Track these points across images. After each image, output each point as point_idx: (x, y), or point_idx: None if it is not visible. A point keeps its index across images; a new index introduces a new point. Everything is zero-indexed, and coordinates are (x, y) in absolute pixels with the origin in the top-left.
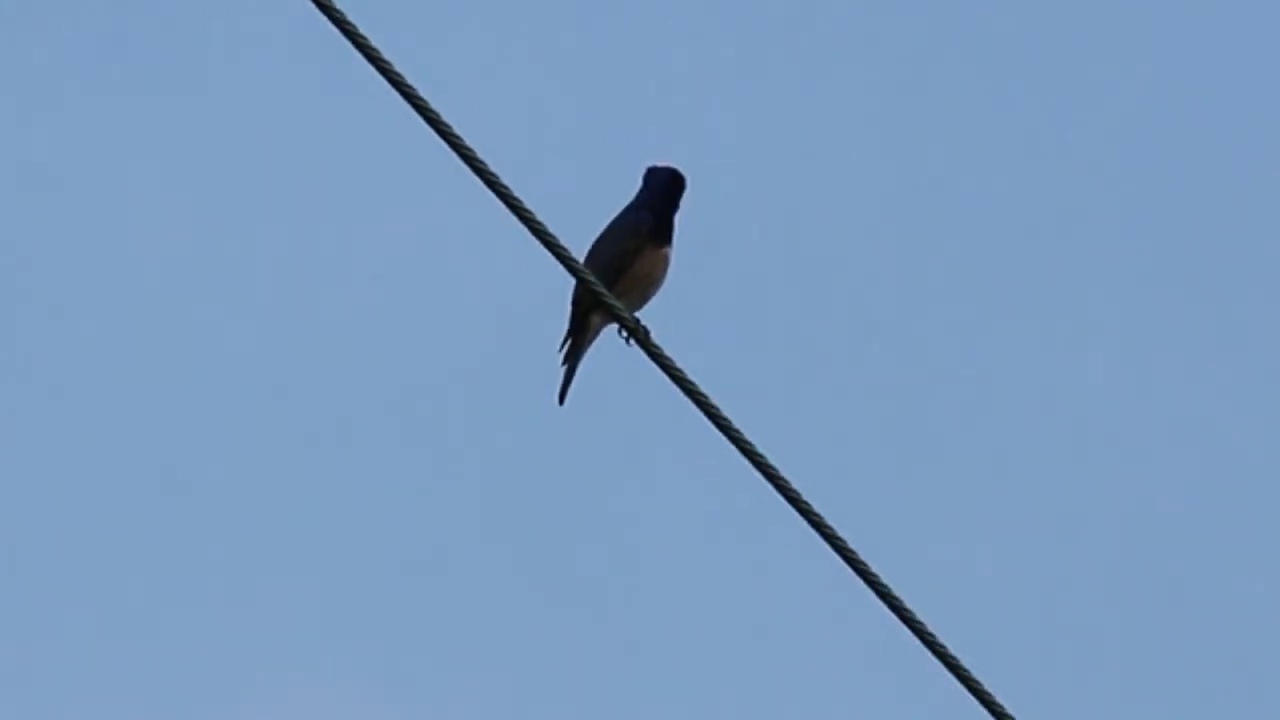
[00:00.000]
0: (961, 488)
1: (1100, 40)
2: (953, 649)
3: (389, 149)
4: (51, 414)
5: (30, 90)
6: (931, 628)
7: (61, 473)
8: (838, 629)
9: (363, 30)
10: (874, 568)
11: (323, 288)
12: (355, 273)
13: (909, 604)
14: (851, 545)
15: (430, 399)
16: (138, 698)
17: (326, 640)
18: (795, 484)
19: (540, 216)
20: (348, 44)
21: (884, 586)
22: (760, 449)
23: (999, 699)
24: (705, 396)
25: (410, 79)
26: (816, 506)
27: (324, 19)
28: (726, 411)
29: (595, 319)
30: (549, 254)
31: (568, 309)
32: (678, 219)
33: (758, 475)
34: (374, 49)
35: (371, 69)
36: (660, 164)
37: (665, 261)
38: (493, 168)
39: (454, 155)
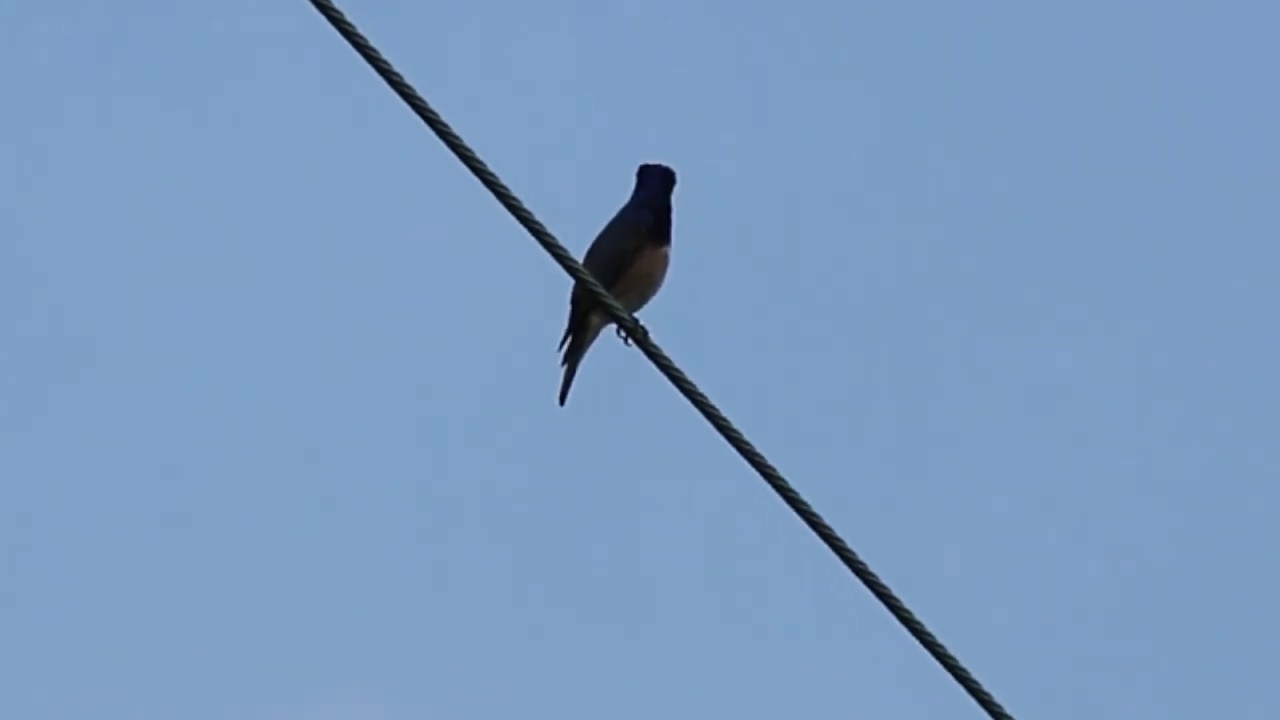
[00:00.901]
0: (960, 487)
1: (1095, 45)
2: (952, 650)
3: (387, 149)
4: (64, 422)
5: (31, 93)
6: (930, 628)
7: (71, 482)
8: (836, 629)
9: (361, 30)
10: (872, 567)
11: (321, 289)
12: (353, 274)
13: (907, 604)
14: (850, 545)
15: (429, 400)
16: (152, 708)
17: (326, 642)
18: (793, 484)
19: (538, 216)
20: (347, 44)
21: (883, 587)
22: (759, 449)
23: (997, 700)
24: (704, 396)
25: (408, 79)
26: (815, 507)
27: (323, 20)
28: (725, 411)
29: (594, 319)
30: (548, 254)
31: (566, 309)
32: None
33: (756, 475)
34: (372, 49)
35: (370, 69)
36: (653, 162)
37: (665, 261)
38: (491, 167)
39: (452, 155)
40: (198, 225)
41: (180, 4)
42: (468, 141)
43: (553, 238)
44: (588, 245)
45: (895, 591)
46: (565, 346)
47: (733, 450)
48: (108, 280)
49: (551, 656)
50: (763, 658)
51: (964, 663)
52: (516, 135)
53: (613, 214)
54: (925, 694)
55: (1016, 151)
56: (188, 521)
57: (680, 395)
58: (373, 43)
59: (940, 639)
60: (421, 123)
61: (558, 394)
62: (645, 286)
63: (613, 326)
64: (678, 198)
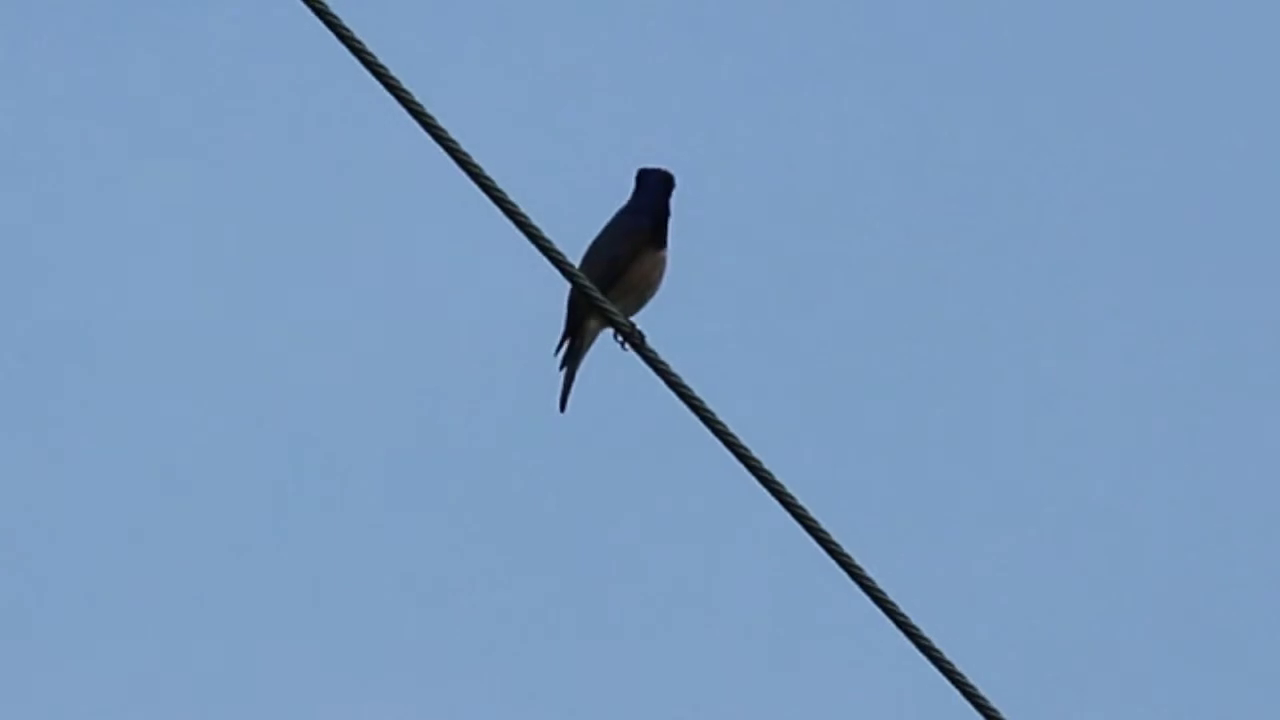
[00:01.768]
0: (958, 491)
1: (1095, 47)
2: (949, 655)
3: (383, 152)
4: (64, 424)
5: (32, 97)
6: (928, 633)
7: (71, 483)
8: (834, 632)
9: (357, 35)
10: (869, 572)
11: (319, 294)
12: (350, 279)
13: (903, 608)
14: (847, 550)
15: (426, 404)
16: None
17: (325, 642)
18: (790, 488)
19: (535, 221)
20: (343, 49)
21: (879, 592)
22: (755, 454)
23: (993, 704)
24: (700, 401)
25: (405, 83)
26: (812, 512)
27: (321, 25)
28: (721, 416)
29: (592, 323)
30: (544, 259)
31: (563, 314)
32: (670, 221)
33: (752, 479)
34: (370, 54)
35: (366, 73)
36: (651, 166)
37: (662, 265)
38: (488, 172)
39: (449, 159)
40: (198, 225)
41: (183, 7)
42: (465, 146)
43: (549, 242)
44: (584, 249)
45: (891, 596)
46: (563, 351)
47: (729, 455)
48: (109, 281)
49: (549, 657)
50: (762, 659)
51: (960, 667)
52: (514, 138)
53: (609, 217)
54: (925, 696)
55: (1017, 151)
56: (187, 521)
57: (677, 400)
58: (370, 47)
59: (938, 644)
60: (418, 126)
61: (558, 400)
62: (642, 290)
63: (610, 331)
64: (676, 201)
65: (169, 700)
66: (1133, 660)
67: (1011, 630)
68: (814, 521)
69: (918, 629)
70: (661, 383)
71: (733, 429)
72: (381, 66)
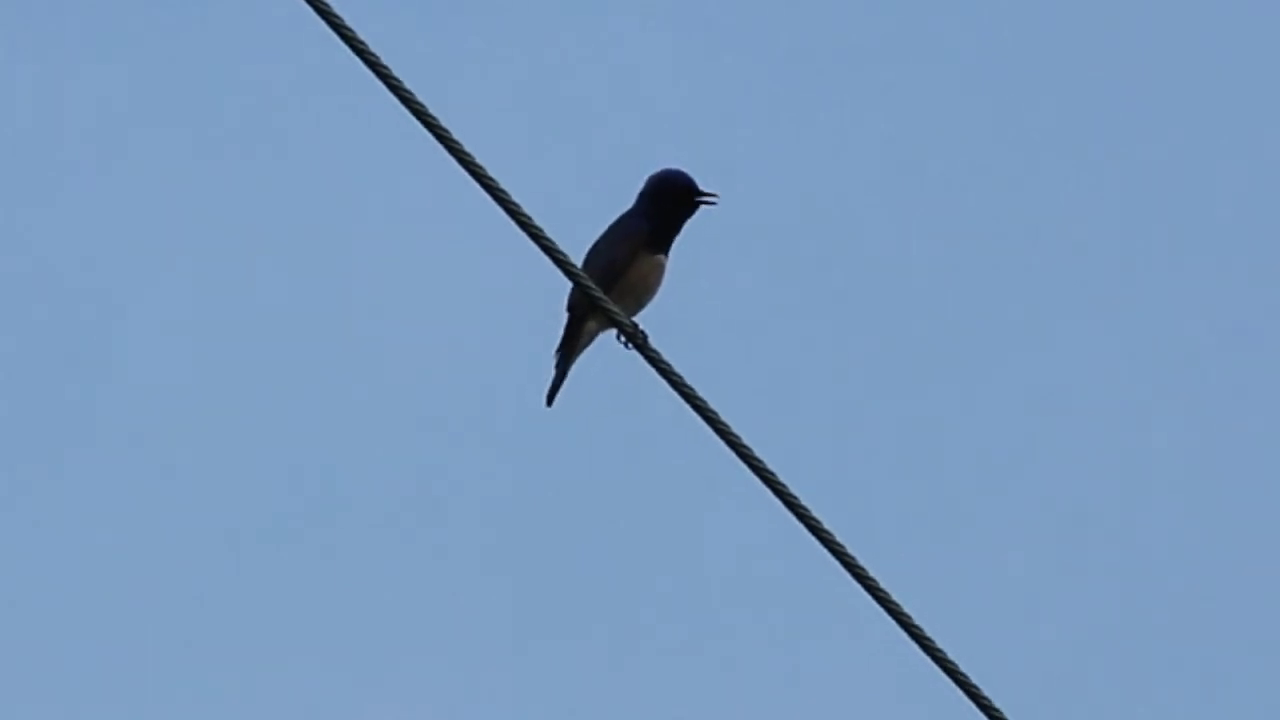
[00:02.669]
0: (959, 492)
1: (1094, 53)
2: (952, 655)
3: (385, 152)
4: (65, 425)
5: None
6: (930, 633)
7: (72, 483)
8: (834, 631)
9: (359, 34)
10: (872, 571)
11: (319, 292)
12: (350, 277)
13: (906, 608)
14: (850, 550)
15: (427, 403)
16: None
17: (323, 640)
18: (793, 488)
19: (538, 221)
20: (345, 49)
21: (882, 591)
22: (758, 453)
23: (997, 705)
24: (703, 401)
25: (407, 82)
26: (815, 511)
27: (322, 23)
28: (725, 416)
29: (592, 324)
30: (547, 259)
31: (564, 314)
32: (689, 222)
33: (755, 479)
34: (372, 54)
35: (368, 72)
36: (661, 169)
37: (660, 269)
38: (491, 172)
39: (452, 160)
40: (198, 224)
41: (187, 12)
42: (467, 146)
43: (551, 242)
44: (586, 250)
45: (894, 596)
46: (560, 350)
47: (732, 454)
48: (109, 282)
49: (548, 657)
50: (761, 659)
51: (964, 667)
52: (514, 138)
53: (613, 219)
54: (924, 697)
55: (1018, 153)
56: (186, 521)
57: (680, 400)
58: (372, 47)
59: (940, 644)
60: (420, 126)
61: (545, 395)
62: (641, 293)
63: (613, 331)
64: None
65: (169, 700)
66: (1134, 661)
67: (1013, 631)
68: (817, 520)
69: (920, 628)
70: (665, 383)
71: (735, 429)
72: (384, 66)
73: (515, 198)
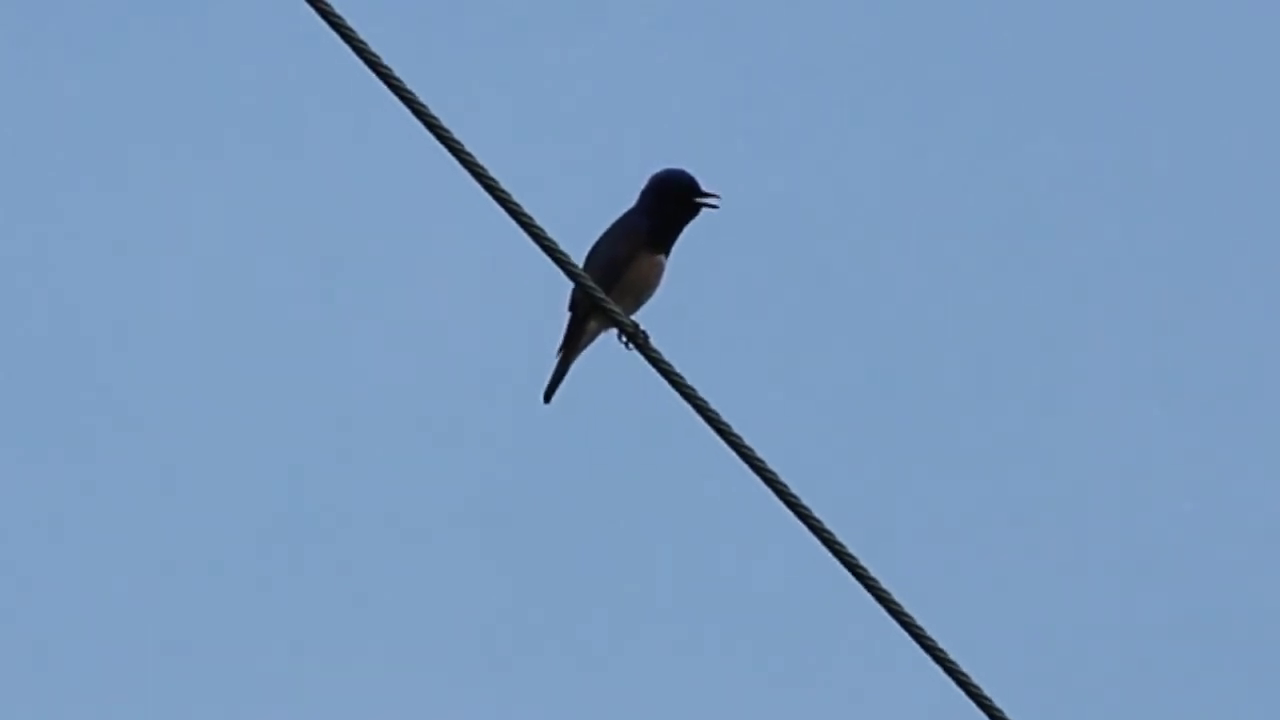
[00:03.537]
0: (960, 492)
1: (1094, 56)
2: (953, 655)
3: (386, 152)
4: (65, 427)
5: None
6: (932, 632)
7: (72, 485)
8: (833, 631)
9: (361, 36)
10: (872, 571)
11: (321, 292)
12: (350, 277)
13: (907, 608)
14: (850, 549)
15: (427, 403)
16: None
17: (321, 639)
18: (793, 487)
19: (539, 221)
20: (347, 50)
21: (883, 591)
22: (759, 453)
23: (999, 706)
24: (704, 401)
25: (408, 83)
26: (815, 510)
27: (326, 27)
28: (725, 416)
29: (593, 323)
30: (548, 259)
31: (566, 313)
32: (694, 221)
33: (756, 479)
34: (374, 55)
35: (370, 73)
36: (664, 169)
37: (659, 269)
38: (492, 172)
39: (453, 160)
40: (200, 224)
41: (191, 16)
42: (469, 147)
43: (553, 242)
44: (587, 250)
45: (895, 595)
46: (562, 349)
47: (733, 454)
48: (111, 283)
49: (549, 658)
50: (760, 659)
51: (965, 668)
52: (514, 139)
53: (614, 218)
54: (924, 697)
55: (1019, 155)
56: (186, 521)
57: (680, 399)
58: (374, 49)
59: (942, 644)
60: (421, 126)
61: (544, 391)
62: (640, 293)
63: (614, 331)
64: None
65: (169, 700)
66: (1139, 663)
67: (1017, 632)
68: (817, 520)
69: (922, 628)
70: (665, 383)
71: (736, 428)
72: (386, 67)
73: (516, 198)
